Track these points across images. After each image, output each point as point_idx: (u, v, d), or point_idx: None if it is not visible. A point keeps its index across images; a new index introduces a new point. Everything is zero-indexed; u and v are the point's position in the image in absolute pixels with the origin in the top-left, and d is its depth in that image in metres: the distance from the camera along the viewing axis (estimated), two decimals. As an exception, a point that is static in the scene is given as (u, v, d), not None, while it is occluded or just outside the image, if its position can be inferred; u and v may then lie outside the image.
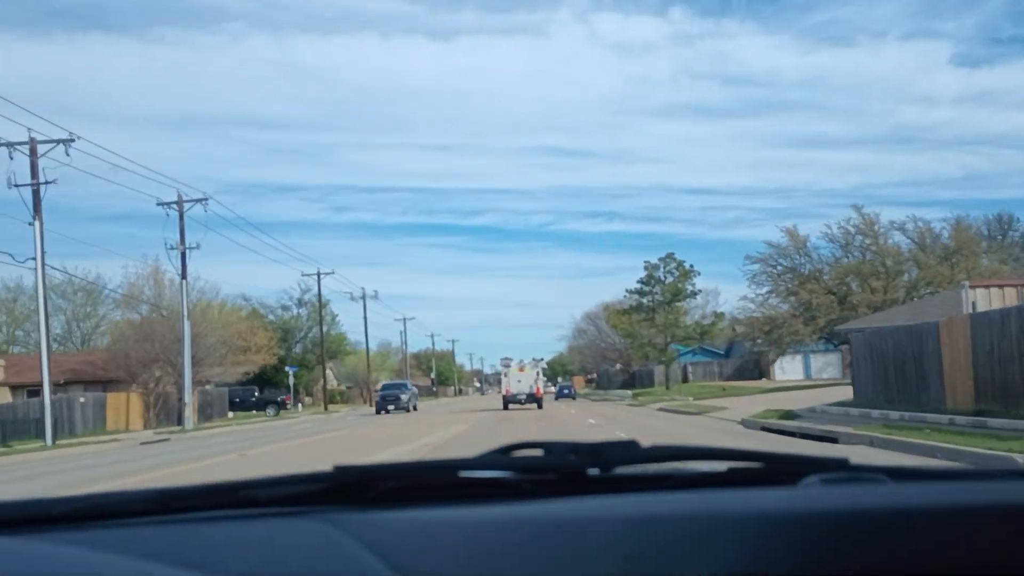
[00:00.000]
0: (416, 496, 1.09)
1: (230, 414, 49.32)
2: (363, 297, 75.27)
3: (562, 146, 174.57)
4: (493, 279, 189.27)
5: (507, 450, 1.21)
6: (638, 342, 59.56)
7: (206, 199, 37.80)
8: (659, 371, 68.18)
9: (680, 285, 58.47)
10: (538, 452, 1.17)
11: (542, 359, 48.59)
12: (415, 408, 49.29)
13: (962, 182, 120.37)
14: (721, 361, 69.21)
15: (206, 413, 46.19)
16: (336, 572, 0.91)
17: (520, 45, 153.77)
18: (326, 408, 65.57)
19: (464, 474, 1.15)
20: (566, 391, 67.80)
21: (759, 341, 46.38)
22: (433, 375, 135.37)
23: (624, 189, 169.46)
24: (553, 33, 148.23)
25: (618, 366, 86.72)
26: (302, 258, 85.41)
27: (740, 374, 66.23)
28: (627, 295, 60.82)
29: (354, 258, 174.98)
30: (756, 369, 65.85)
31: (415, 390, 53.87)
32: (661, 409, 34.52)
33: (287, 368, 63.70)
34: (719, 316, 59.39)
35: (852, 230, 41.49)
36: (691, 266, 59.25)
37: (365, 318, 75.52)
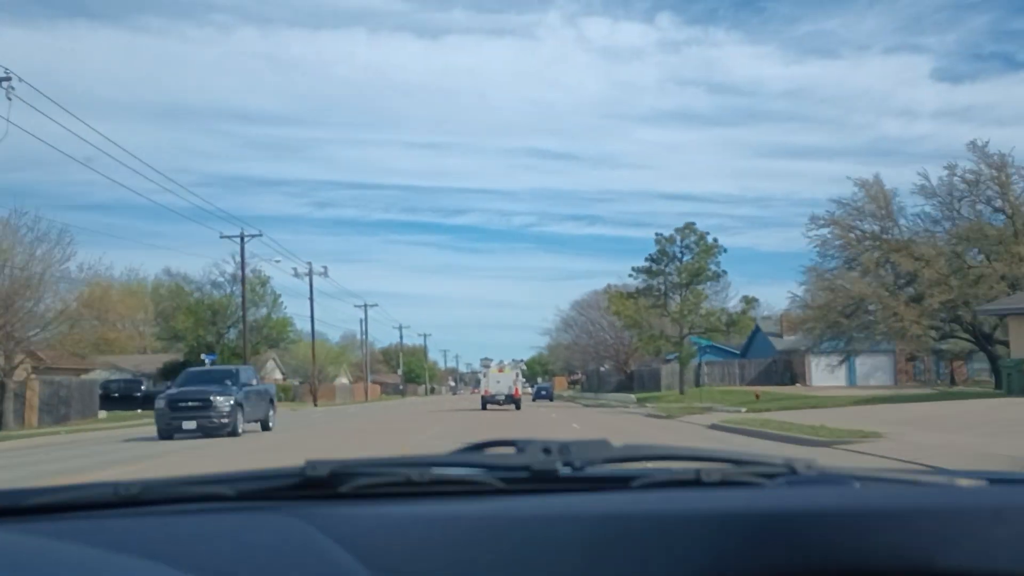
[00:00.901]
0: (387, 493, 1.09)
1: (102, 413, 36.56)
2: (309, 273, 62.28)
3: (548, 148, 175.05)
4: (474, 279, 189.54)
5: (479, 447, 1.23)
6: (647, 334, 47.13)
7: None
8: (666, 371, 55.77)
9: (701, 263, 46.12)
10: (510, 450, 1.18)
11: (521, 360, 50.03)
12: (270, 424, 24.33)
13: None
14: (741, 362, 56.80)
15: (58, 412, 33.27)
16: (305, 566, 0.91)
17: (509, 46, 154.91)
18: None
19: (436, 471, 1.14)
20: (543, 392, 65.78)
21: (822, 334, 33.69)
22: (400, 371, 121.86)
23: (607, 193, 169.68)
24: (542, 36, 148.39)
25: (605, 366, 74.67)
26: (227, 217, 71.97)
27: (767, 378, 54.10)
28: (633, 275, 48.40)
29: (335, 254, 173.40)
30: (787, 372, 53.68)
31: (264, 387, 27.17)
32: (713, 427, 22.00)
33: (203, 357, 50.70)
34: (750, 301, 47.03)
35: (969, 178, 29.00)
36: (715, 240, 46.95)
37: (311, 298, 62.63)
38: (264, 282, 64.90)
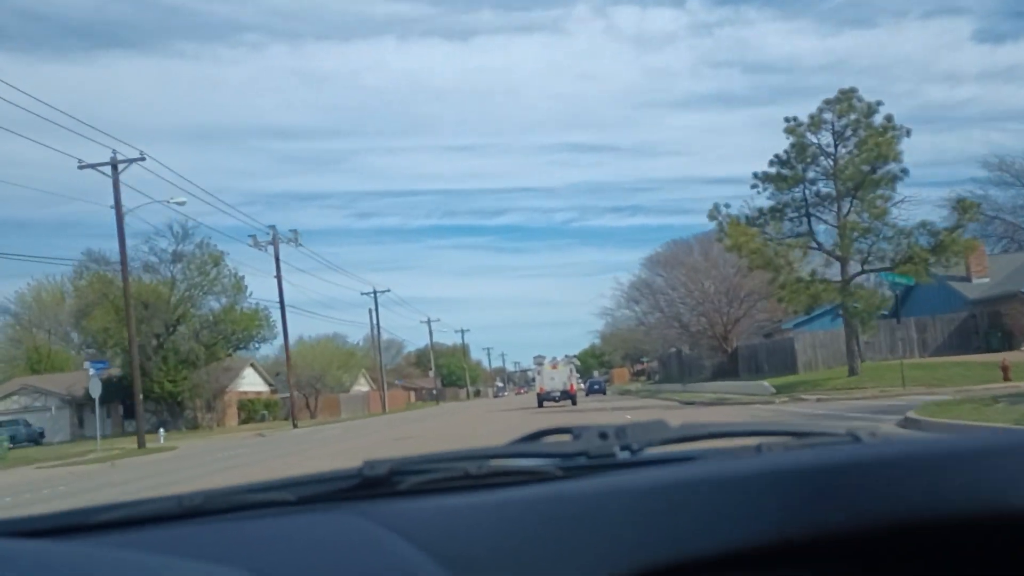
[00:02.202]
0: (445, 487, 1.10)
1: None
2: (273, 241, 44.19)
3: (584, 142, 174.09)
4: (518, 278, 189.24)
5: (535, 436, 1.24)
6: (788, 278, 28.23)
7: None
8: (808, 342, 36.73)
9: (880, 150, 27.29)
10: (567, 438, 1.18)
11: (574, 356, 51.09)
12: None
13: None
14: (919, 321, 36.93)
15: None
16: (368, 560, 0.93)
17: (538, 42, 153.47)
18: (140, 446, 34.52)
19: (494, 463, 1.14)
20: (596, 387, 64.15)
21: None
22: (432, 373, 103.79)
23: (647, 182, 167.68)
24: (571, 29, 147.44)
25: (689, 348, 55.83)
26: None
27: (962, 342, 34.89)
28: (758, 185, 29.67)
29: (379, 263, 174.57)
30: (995, 332, 34.38)
31: None
32: None
33: (87, 365, 33.05)
34: (969, 207, 27.67)
35: None
36: (889, 118, 28.04)
37: (278, 276, 44.48)
38: (217, 260, 47.03)
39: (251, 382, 57.36)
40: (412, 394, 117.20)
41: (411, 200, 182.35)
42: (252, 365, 57.60)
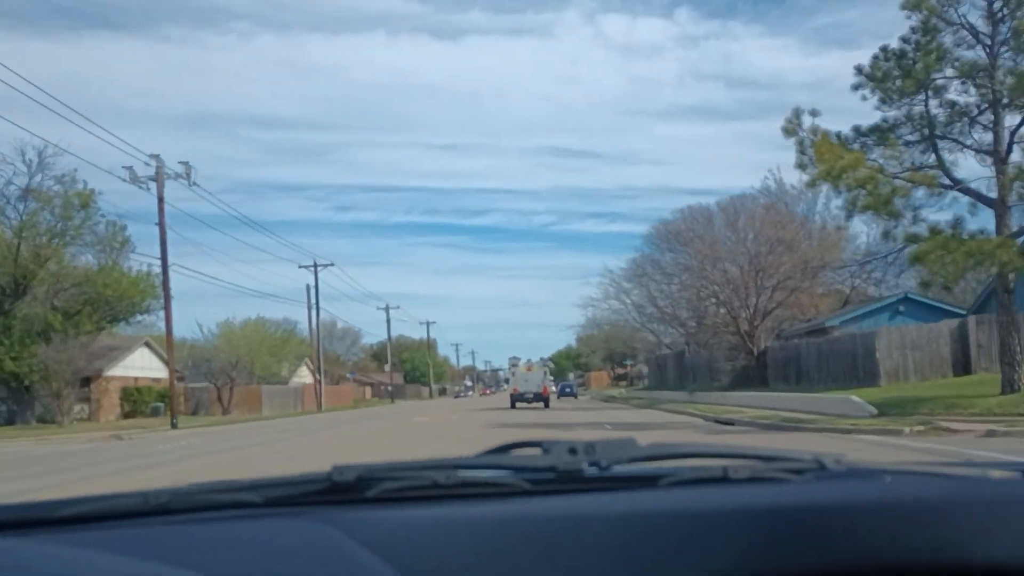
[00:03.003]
0: (414, 496, 1.10)
1: None
2: (156, 176, 32.37)
3: (567, 147, 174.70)
4: (495, 279, 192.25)
5: (505, 449, 1.24)
6: (921, 238, 17.13)
7: None
8: (892, 342, 25.88)
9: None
10: (536, 451, 1.18)
11: (548, 359, 52.45)
12: None
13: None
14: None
15: None
16: (333, 570, 0.93)
17: (527, 46, 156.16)
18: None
19: (462, 474, 1.15)
20: (567, 390, 63.73)
21: None
22: (388, 367, 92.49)
23: (628, 190, 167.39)
24: (560, 34, 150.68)
25: (693, 347, 45.01)
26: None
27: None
28: (863, 86, 18.63)
29: (357, 257, 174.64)
30: None
31: None
32: None
33: None
34: None
35: None
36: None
37: (161, 224, 32.71)
38: (86, 202, 35.27)
39: (144, 365, 45.62)
40: (368, 390, 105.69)
41: (392, 196, 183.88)
42: (147, 344, 45.84)
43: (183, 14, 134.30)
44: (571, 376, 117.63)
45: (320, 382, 57.05)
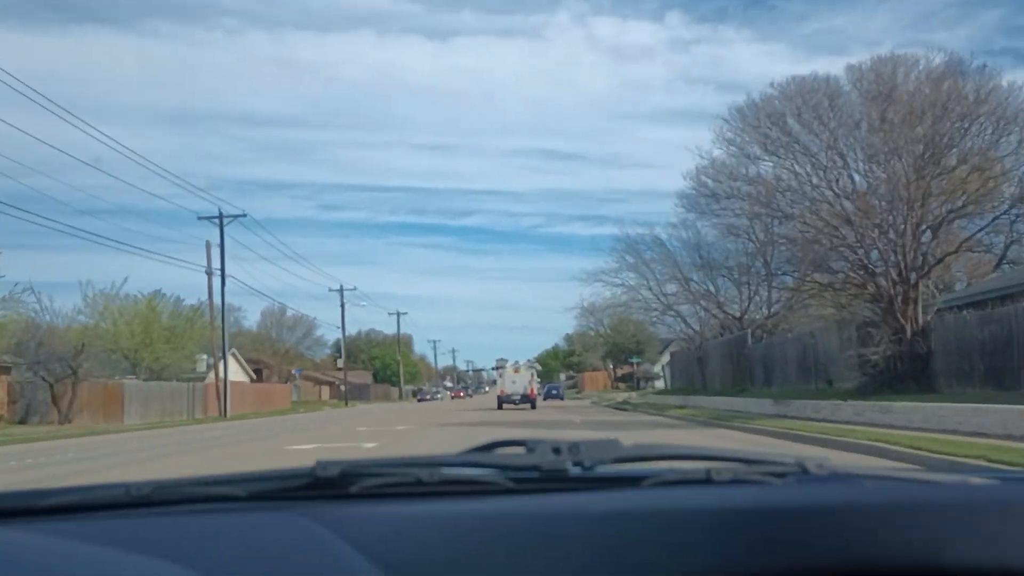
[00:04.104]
0: (397, 493, 1.12)
1: None
2: None
3: (555, 149, 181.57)
4: (481, 280, 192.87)
5: (489, 447, 1.24)
6: None
7: None
8: None
9: None
10: (520, 450, 1.19)
11: (535, 361, 51.93)
12: None
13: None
14: None
15: None
16: (314, 564, 0.94)
17: (517, 47, 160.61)
18: None
19: (446, 471, 1.15)
20: (554, 391, 61.48)
21: None
22: (341, 361, 76.89)
23: (615, 193, 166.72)
24: (551, 36, 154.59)
25: (763, 333, 29.67)
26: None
27: None
28: None
29: (342, 256, 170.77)
30: None
31: None
32: None
33: None
34: None
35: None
36: None
37: None
38: None
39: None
40: (325, 389, 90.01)
41: (378, 196, 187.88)
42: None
43: (171, 9, 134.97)
44: (562, 377, 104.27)
45: (225, 379, 41.17)
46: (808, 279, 22.72)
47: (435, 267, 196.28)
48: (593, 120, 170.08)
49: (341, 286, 69.45)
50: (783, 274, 32.66)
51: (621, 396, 55.29)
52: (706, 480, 1.13)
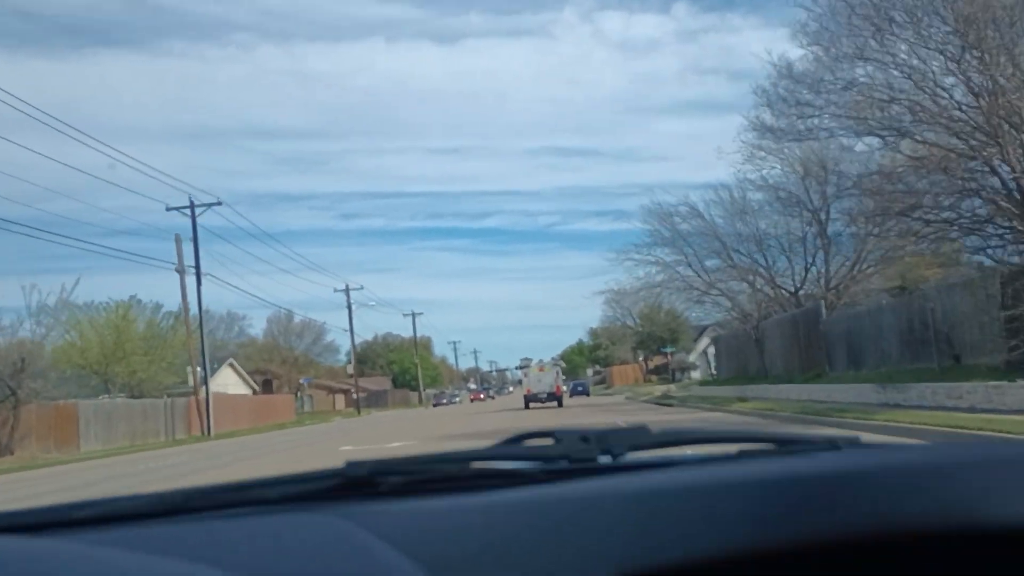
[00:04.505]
0: (428, 488, 1.13)
1: None
2: None
3: (569, 146, 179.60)
4: (501, 281, 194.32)
5: (518, 439, 1.27)
6: None
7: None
8: None
9: None
10: (548, 441, 1.20)
11: (559, 359, 49.97)
12: None
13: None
14: None
15: None
16: (348, 561, 0.94)
17: (526, 47, 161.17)
18: None
19: (476, 465, 1.17)
20: (580, 388, 60.97)
21: None
22: (350, 366, 71.93)
23: (631, 187, 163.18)
24: (558, 34, 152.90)
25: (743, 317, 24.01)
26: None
27: None
28: None
29: (363, 264, 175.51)
30: None
31: None
32: None
33: None
34: None
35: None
36: None
37: None
38: None
39: None
40: (340, 398, 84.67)
41: (396, 202, 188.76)
42: None
43: (183, 28, 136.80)
44: (589, 373, 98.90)
45: (207, 391, 35.76)
46: (930, 216, 16.85)
47: (455, 270, 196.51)
48: (606, 115, 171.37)
49: (347, 285, 64.24)
50: (852, 234, 27.01)
51: (658, 389, 49.62)
52: (737, 460, 1.12)
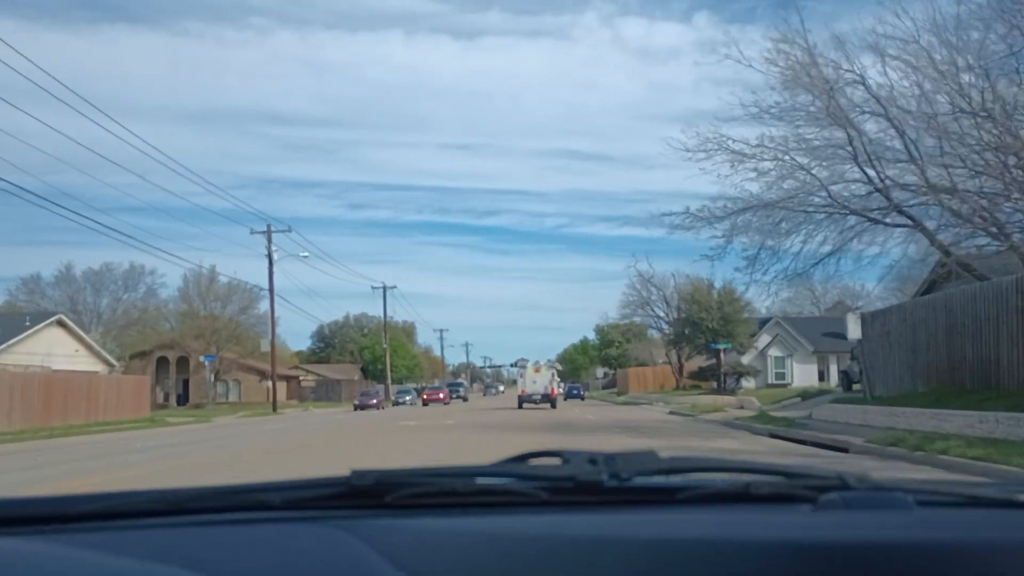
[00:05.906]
0: (432, 503, 1.11)
1: None
2: None
3: (580, 149, 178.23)
4: (504, 280, 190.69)
5: (525, 458, 1.24)
6: None
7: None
8: None
9: None
10: (556, 460, 1.18)
11: (555, 361, 50.41)
12: None
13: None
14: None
15: None
16: None
17: (544, 47, 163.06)
18: None
19: (481, 482, 1.15)
20: (575, 392, 59.66)
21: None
22: (269, 342, 52.61)
23: (640, 194, 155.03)
24: (578, 37, 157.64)
25: None
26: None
27: None
28: None
29: (367, 255, 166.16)
30: None
31: None
32: None
33: None
34: None
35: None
36: None
37: None
38: None
39: None
40: (282, 386, 65.63)
41: (403, 195, 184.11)
42: None
43: (202, 9, 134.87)
44: (599, 373, 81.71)
45: None
46: None
47: (459, 266, 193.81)
48: (619, 121, 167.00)
49: (269, 226, 44.97)
50: None
51: (720, 403, 30.63)
52: (745, 494, 1.09)
